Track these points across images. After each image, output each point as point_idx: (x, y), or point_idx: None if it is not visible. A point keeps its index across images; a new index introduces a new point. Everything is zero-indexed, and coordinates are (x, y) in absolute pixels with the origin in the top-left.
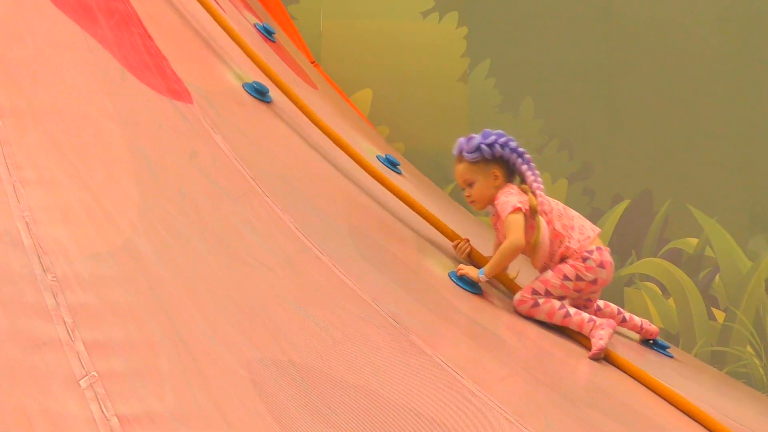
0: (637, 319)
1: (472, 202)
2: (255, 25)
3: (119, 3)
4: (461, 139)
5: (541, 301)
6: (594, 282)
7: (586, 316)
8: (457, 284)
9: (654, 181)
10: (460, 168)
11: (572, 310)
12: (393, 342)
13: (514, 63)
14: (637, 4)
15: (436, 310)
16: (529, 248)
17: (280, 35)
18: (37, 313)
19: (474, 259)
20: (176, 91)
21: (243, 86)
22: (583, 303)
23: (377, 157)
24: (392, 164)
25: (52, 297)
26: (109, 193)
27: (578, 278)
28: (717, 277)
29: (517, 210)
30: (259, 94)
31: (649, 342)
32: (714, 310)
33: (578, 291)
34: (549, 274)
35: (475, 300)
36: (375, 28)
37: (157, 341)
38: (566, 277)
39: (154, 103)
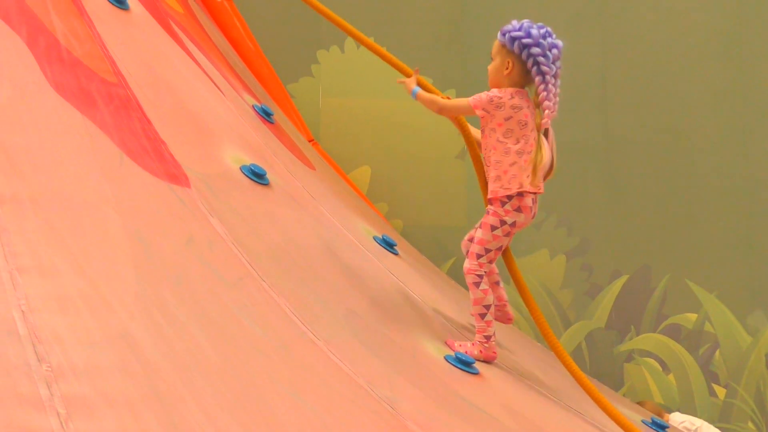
0: (505, 298)
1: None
2: (254, 107)
3: (119, 88)
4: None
5: (482, 285)
6: (513, 225)
7: (491, 331)
8: (454, 366)
9: (652, 256)
10: (495, 43)
11: (491, 321)
12: (388, 428)
13: None
14: (633, 77)
15: (432, 394)
16: (533, 170)
17: (278, 114)
18: (30, 404)
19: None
20: (174, 175)
21: (240, 168)
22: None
23: (374, 238)
24: (389, 245)
25: (46, 387)
26: (106, 280)
27: (502, 223)
28: (717, 352)
29: (475, 108)
30: (257, 176)
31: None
32: (715, 386)
33: (507, 235)
34: (479, 233)
35: (472, 381)
36: (373, 106)
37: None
38: (493, 227)
39: (152, 187)
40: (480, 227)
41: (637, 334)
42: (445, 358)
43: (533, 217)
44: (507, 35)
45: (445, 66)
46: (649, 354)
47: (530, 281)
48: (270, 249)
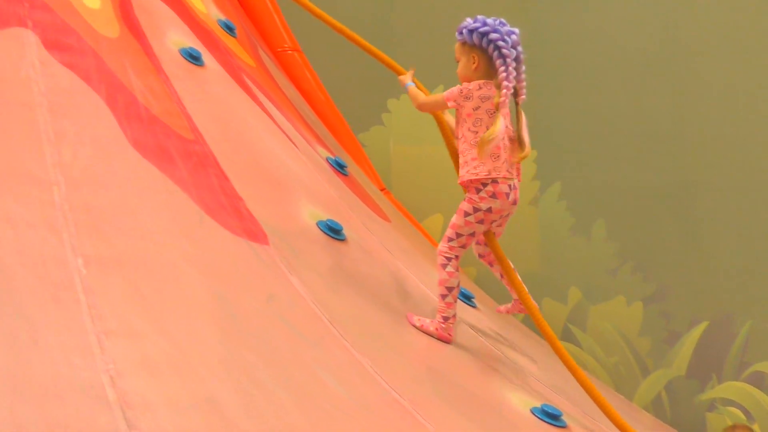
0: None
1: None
2: (327, 159)
3: (196, 145)
4: (468, 19)
5: (448, 268)
6: (489, 210)
7: (451, 313)
8: (540, 419)
9: (733, 302)
10: (456, 45)
11: (451, 303)
12: None
13: (585, 185)
14: (707, 119)
15: None
16: (479, 142)
17: (351, 164)
18: None
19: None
20: (253, 232)
21: (317, 224)
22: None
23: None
24: (466, 297)
25: None
26: (190, 342)
27: (475, 210)
28: None
29: (447, 100)
30: (334, 232)
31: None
32: None
33: (481, 222)
34: (453, 218)
35: None
36: (444, 152)
37: None
38: (466, 213)
39: (232, 245)
40: (456, 212)
41: (719, 383)
42: (531, 411)
43: (514, 204)
44: (465, 30)
45: None
46: (732, 403)
47: (606, 328)
48: (349, 307)
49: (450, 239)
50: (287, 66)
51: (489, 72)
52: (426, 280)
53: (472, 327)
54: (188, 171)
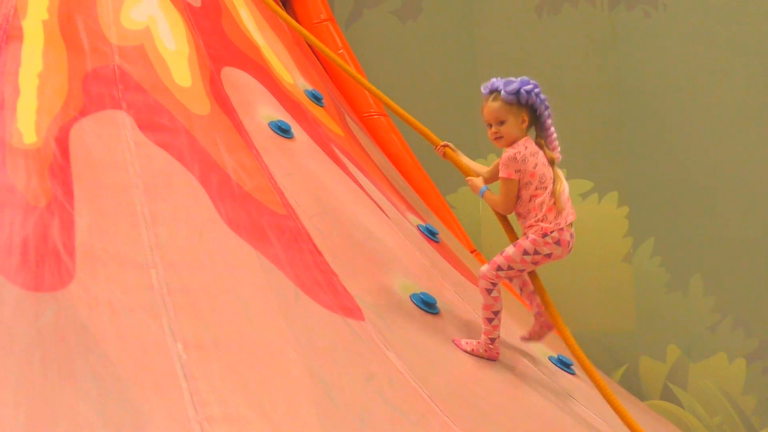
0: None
1: (497, 138)
2: (418, 227)
3: (288, 220)
4: (496, 79)
5: (494, 293)
6: (549, 256)
7: (497, 334)
8: None
9: None
10: (494, 105)
11: (497, 325)
12: None
13: (679, 240)
14: None
15: None
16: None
17: (441, 229)
18: None
19: (448, 157)
20: (348, 308)
21: (410, 298)
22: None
23: (549, 358)
24: (565, 365)
25: None
26: (291, 426)
27: (536, 252)
28: None
29: (509, 177)
30: (428, 306)
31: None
32: None
33: (535, 264)
34: (511, 250)
35: None
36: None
37: None
38: (526, 252)
39: (328, 322)
40: (513, 245)
41: None
42: None
43: (570, 251)
44: (521, 91)
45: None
46: None
47: (708, 387)
48: (448, 382)
49: (500, 268)
50: (374, 130)
51: (526, 130)
52: (522, 350)
53: (573, 396)
54: (282, 247)
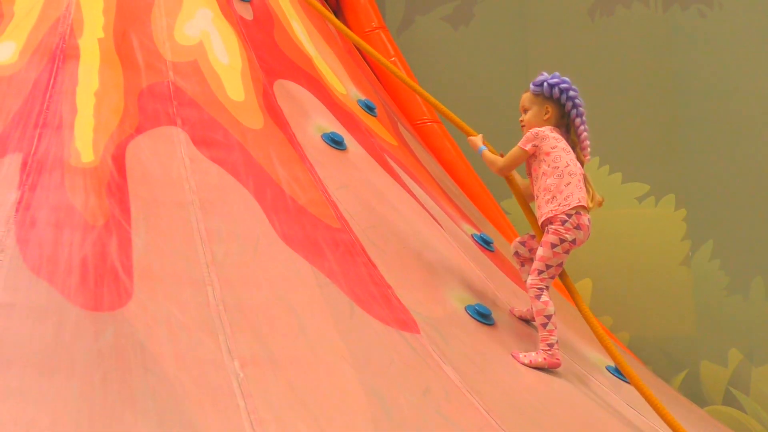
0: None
1: (522, 126)
2: (473, 236)
3: (343, 233)
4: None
5: (543, 297)
6: (574, 242)
7: (554, 339)
8: None
9: None
10: (525, 95)
11: (553, 330)
12: None
13: (739, 242)
14: None
15: None
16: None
17: (496, 237)
18: None
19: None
20: (403, 321)
21: (465, 309)
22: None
23: (607, 368)
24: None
25: None
26: None
27: (562, 241)
28: None
29: (525, 143)
30: (482, 317)
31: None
32: None
33: (566, 252)
34: (541, 251)
35: None
36: (590, 216)
37: None
38: (553, 245)
39: (384, 336)
40: (541, 245)
41: None
42: None
43: (588, 236)
44: (545, 84)
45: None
46: None
47: None
48: (506, 395)
49: (540, 272)
50: (427, 138)
51: (557, 124)
52: (578, 360)
53: (632, 406)
54: (337, 261)
